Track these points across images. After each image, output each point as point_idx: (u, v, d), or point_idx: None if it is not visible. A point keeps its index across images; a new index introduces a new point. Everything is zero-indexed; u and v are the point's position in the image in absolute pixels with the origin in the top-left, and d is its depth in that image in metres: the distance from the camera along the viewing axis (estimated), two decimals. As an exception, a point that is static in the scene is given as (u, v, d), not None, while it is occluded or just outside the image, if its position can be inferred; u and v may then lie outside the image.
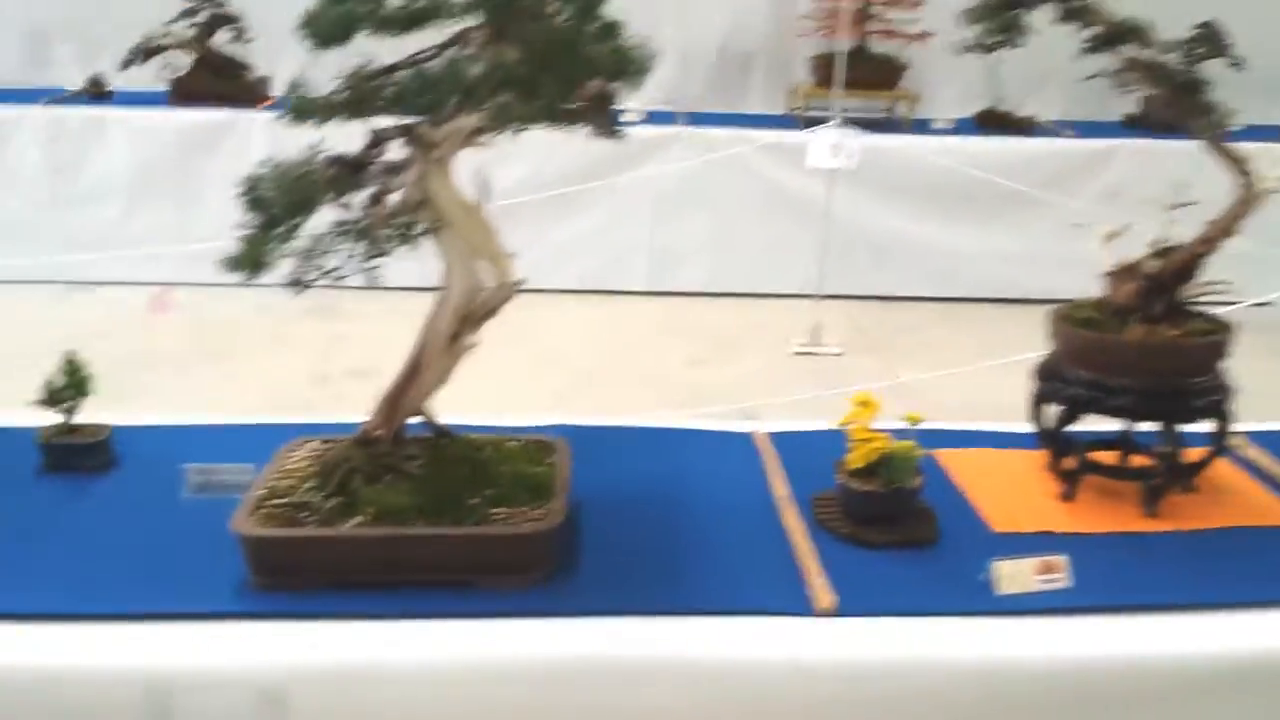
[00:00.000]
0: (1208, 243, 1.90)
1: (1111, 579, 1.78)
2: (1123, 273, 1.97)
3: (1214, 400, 1.96)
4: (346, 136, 1.61)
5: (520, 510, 1.71)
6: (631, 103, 6.38)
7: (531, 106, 1.45)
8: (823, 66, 5.93)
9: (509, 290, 1.74)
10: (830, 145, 5.04)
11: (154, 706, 1.53)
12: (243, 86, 5.86)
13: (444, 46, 1.54)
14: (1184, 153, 5.56)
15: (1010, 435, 2.29)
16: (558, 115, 1.52)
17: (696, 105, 6.54)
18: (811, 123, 5.60)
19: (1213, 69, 6.40)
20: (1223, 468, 2.17)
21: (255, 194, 1.51)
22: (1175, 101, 1.88)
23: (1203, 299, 1.99)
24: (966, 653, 1.63)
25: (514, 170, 5.59)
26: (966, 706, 1.62)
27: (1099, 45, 1.90)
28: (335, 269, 1.52)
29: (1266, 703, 1.66)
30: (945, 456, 2.21)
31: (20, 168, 5.65)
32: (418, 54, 1.55)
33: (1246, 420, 2.42)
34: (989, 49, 1.92)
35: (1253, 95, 6.62)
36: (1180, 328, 1.93)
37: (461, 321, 1.73)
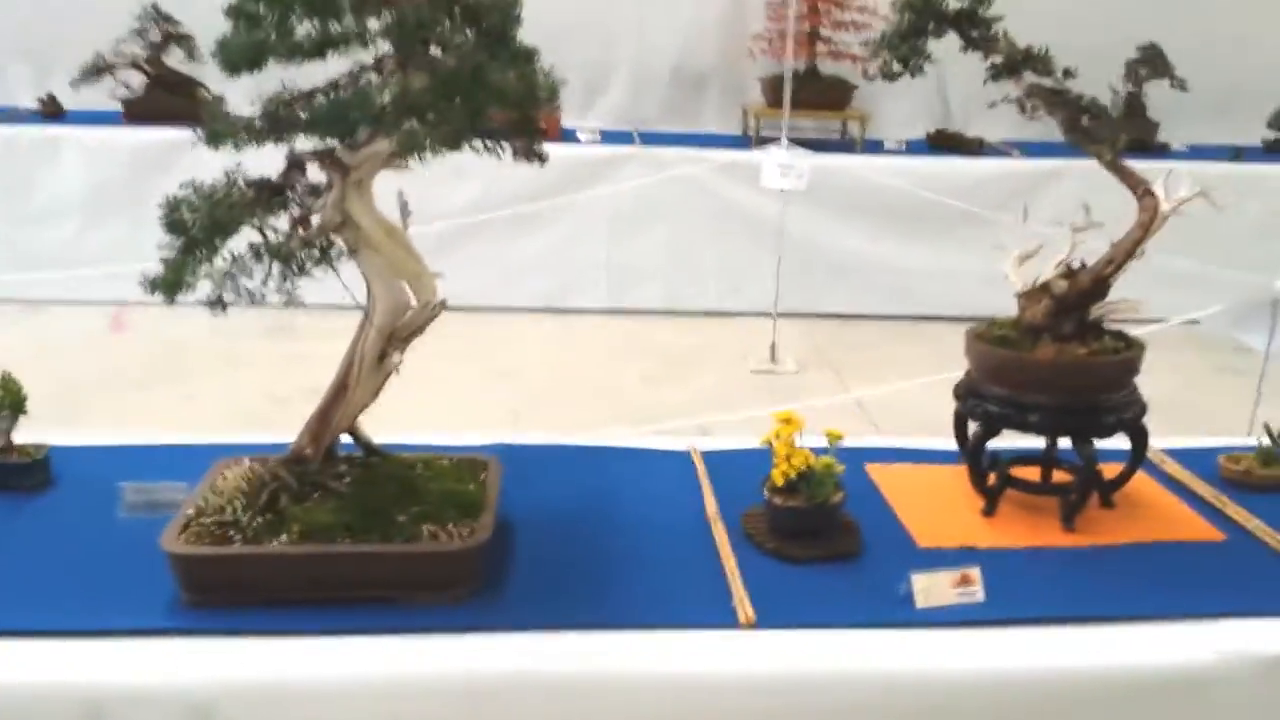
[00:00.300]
0: (1113, 263, 1.97)
1: (1027, 592, 1.83)
2: (1034, 293, 2.03)
3: (1127, 417, 2.02)
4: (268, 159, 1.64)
5: (448, 527, 1.74)
6: (587, 122, 6.49)
7: (437, 133, 1.49)
8: (774, 87, 6.01)
9: (433, 309, 1.77)
10: (779, 165, 5.11)
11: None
12: (197, 105, 5.85)
13: (360, 73, 1.58)
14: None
15: (940, 452, 2.34)
16: (463, 141, 1.56)
17: (652, 125, 6.63)
18: (765, 142, 5.68)
19: (1157, 90, 6.49)
20: (1144, 484, 2.23)
21: (175, 216, 1.53)
22: (1074, 125, 1.94)
23: (1119, 317, 2.05)
24: (883, 664, 1.67)
25: (469, 189, 5.64)
26: (882, 717, 1.66)
27: (1001, 73, 1.96)
28: (253, 290, 1.55)
29: (1173, 713, 1.71)
30: (876, 472, 2.26)
31: (-30, 186, 5.63)
32: (334, 80, 1.59)
33: (1179, 436, 2.50)
34: (892, 77, 1.98)
35: (1198, 117, 6.79)
36: (1090, 346, 1.99)
37: (387, 340, 1.76)
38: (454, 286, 6.27)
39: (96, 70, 5.74)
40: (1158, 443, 2.41)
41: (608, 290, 5.96)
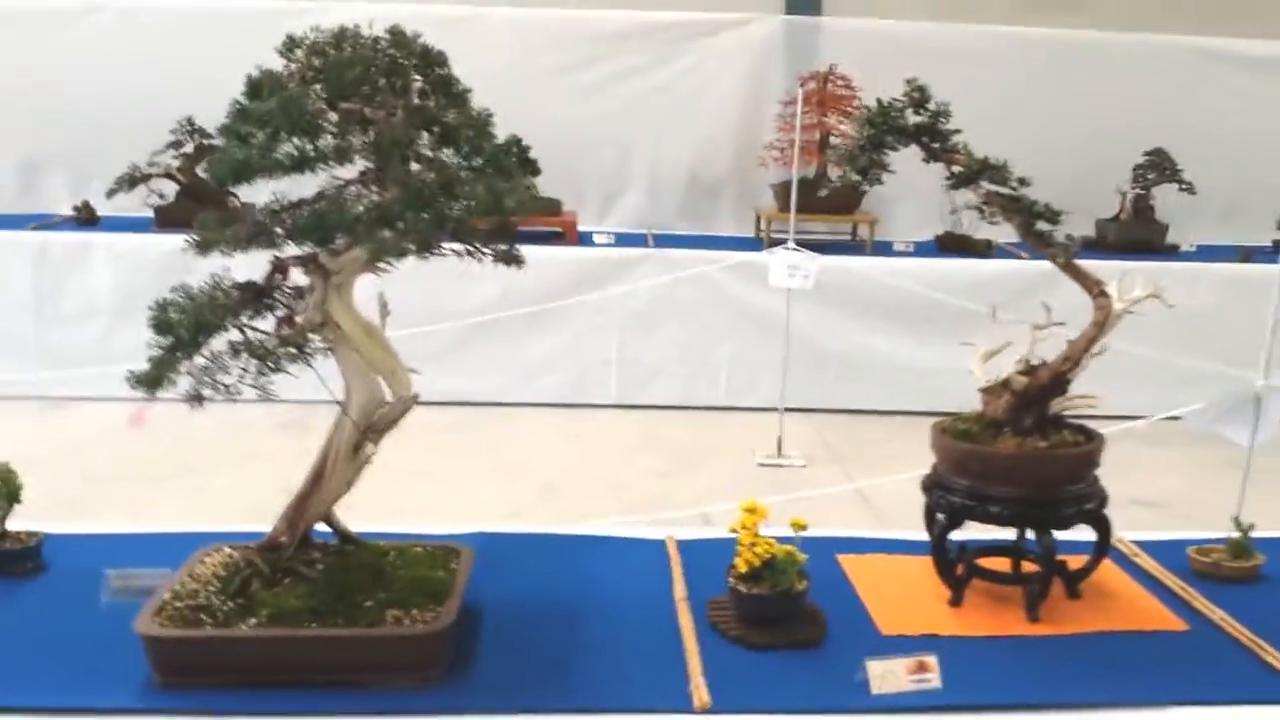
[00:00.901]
0: (1070, 360, 2.03)
1: (985, 680, 1.85)
2: (996, 388, 2.09)
3: (1087, 508, 2.06)
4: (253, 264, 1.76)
5: (412, 613, 1.79)
6: (605, 226, 6.69)
7: (404, 240, 1.59)
8: (785, 193, 6.15)
9: (407, 403, 1.86)
10: (787, 266, 5.23)
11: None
12: (226, 214, 6.04)
13: (344, 185, 1.70)
14: (1141, 272, 5.79)
15: (914, 542, 2.37)
16: (431, 248, 1.66)
17: (668, 228, 6.81)
18: (776, 244, 5.81)
19: (1165, 193, 6.60)
20: (1113, 575, 2.26)
21: (163, 317, 1.64)
22: (1029, 229, 2.02)
23: (1079, 412, 2.10)
24: (834, 750, 1.70)
25: (487, 289, 5.80)
26: (831, 803, 1.68)
27: (960, 182, 2.06)
28: (229, 385, 1.65)
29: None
30: (847, 562, 2.30)
31: (8, 288, 5.84)
32: (320, 191, 1.70)
33: (1163, 530, 2.53)
34: (855, 186, 2.08)
35: (1206, 219, 6.89)
36: (1050, 439, 2.04)
37: (362, 433, 1.84)
38: (468, 384, 6.44)
39: (131, 180, 5.98)
40: (1131, 535, 2.45)
41: (619, 387, 6.06)
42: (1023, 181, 2.06)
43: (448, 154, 1.77)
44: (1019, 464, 2.02)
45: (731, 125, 6.94)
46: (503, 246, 1.89)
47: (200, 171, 6.11)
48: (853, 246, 6.51)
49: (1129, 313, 2.02)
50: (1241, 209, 6.97)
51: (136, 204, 6.08)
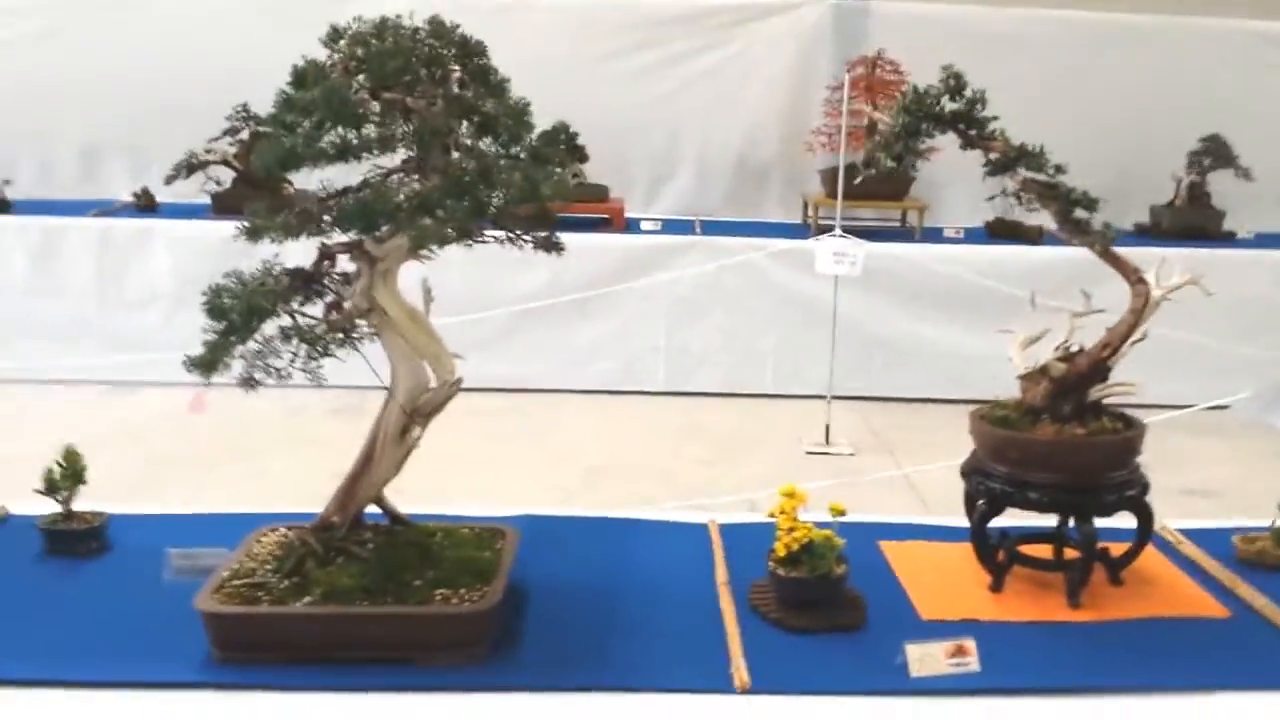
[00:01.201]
0: (1108, 347, 2.03)
1: (1023, 664, 1.87)
2: (1034, 375, 2.09)
3: (1128, 495, 2.06)
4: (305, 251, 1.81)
5: (460, 592, 1.85)
6: (652, 212, 6.72)
7: (444, 228, 1.64)
8: (833, 179, 6.14)
9: (452, 387, 1.90)
10: (834, 253, 5.23)
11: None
12: (281, 200, 6.15)
13: (389, 173, 1.75)
14: (1193, 258, 5.74)
15: (956, 529, 2.38)
16: (470, 235, 1.70)
17: (715, 214, 6.83)
18: (823, 231, 5.81)
19: (1221, 180, 6.55)
20: (1156, 562, 2.26)
21: (216, 302, 1.70)
22: (1067, 217, 2.02)
23: (1121, 399, 2.10)
24: (873, 730, 1.73)
25: (537, 276, 5.86)
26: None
27: (997, 169, 2.06)
28: (281, 369, 1.70)
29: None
30: (888, 548, 2.32)
31: (71, 274, 5.99)
32: (365, 179, 1.75)
33: (1214, 519, 2.52)
34: (891, 172, 2.09)
35: (1263, 205, 6.78)
36: (1088, 426, 2.04)
37: (409, 417, 1.89)
38: (517, 369, 6.50)
39: (189, 167, 6.11)
40: (1176, 523, 2.44)
41: (666, 374, 6.09)
42: (1059, 169, 2.05)
43: (486, 143, 1.81)
44: (1057, 450, 2.03)
45: (779, 111, 6.93)
46: (543, 233, 1.93)
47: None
48: (902, 233, 6.48)
49: (1167, 299, 2.01)
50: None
51: (194, 190, 6.21)
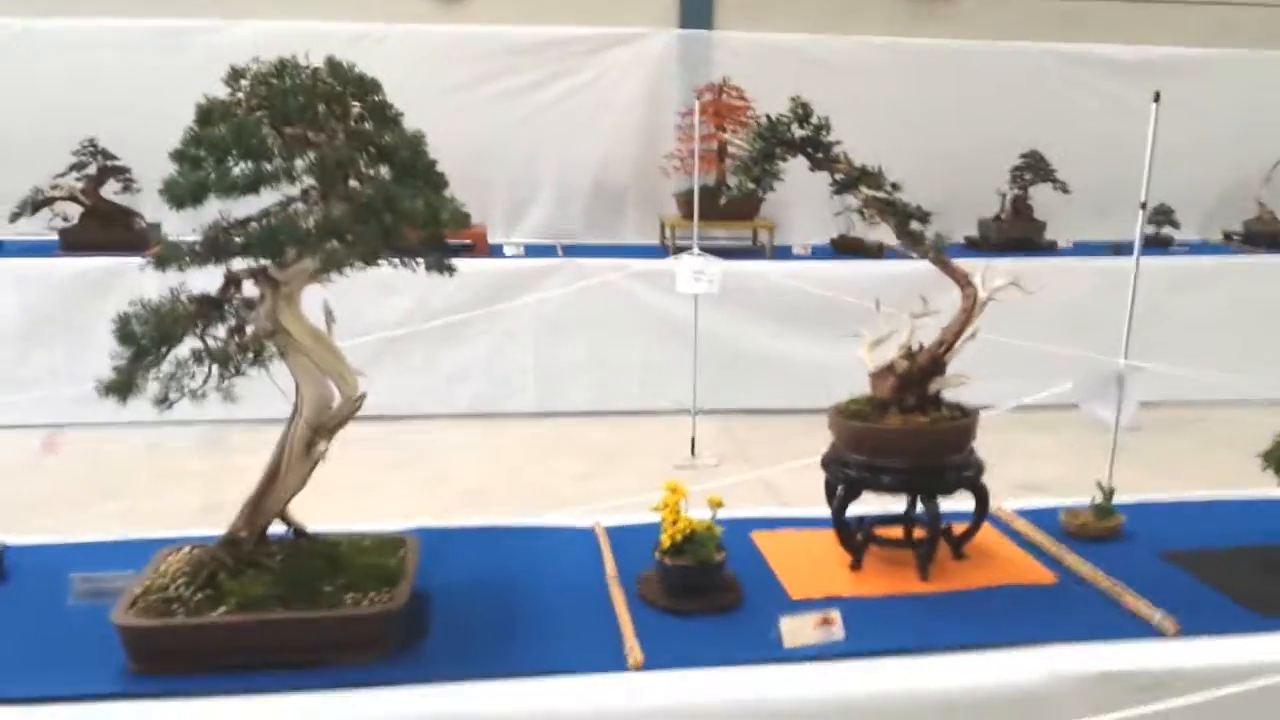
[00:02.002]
0: (944, 344, 2.29)
1: (882, 630, 2.09)
2: (882, 372, 2.34)
3: (966, 475, 2.32)
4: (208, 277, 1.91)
5: (369, 595, 1.96)
6: (514, 238, 6.86)
7: (355, 251, 1.77)
8: (688, 201, 6.41)
9: (355, 403, 2.02)
10: (693, 271, 5.47)
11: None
12: (132, 235, 6.06)
13: (289, 202, 1.86)
14: (1019, 267, 6.17)
15: (821, 519, 2.60)
16: (377, 258, 1.84)
17: (576, 238, 7.02)
18: (680, 251, 6.05)
19: (1041, 193, 7.02)
20: (993, 538, 2.53)
21: (126, 329, 1.79)
22: (904, 229, 2.27)
23: (954, 389, 2.35)
24: (755, 695, 1.92)
25: (401, 302, 5.93)
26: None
27: (842, 188, 2.30)
28: (195, 390, 1.80)
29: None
30: (760, 538, 2.52)
31: (-90, 317, 5.78)
32: (266, 209, 1.87)
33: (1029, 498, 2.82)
34: (748, 195, 2.31)
35: (1081, 216, 7.34)
36: (930, 415, 2.30)
37: (314, 432, 2.00)
38: (387, 397, 6.51)
39: (34, 204, 5.97)
40: (1010, 504, 2.72)
41: (536, 394, 6.23)
42: (896, 186, 2.30)
43: (384, 173, 1.95)
44: (904, 438, 2.27)
45: (633, 136, 7.17)
46: (433, 256, 2.07)
47: (108, 197, 6.12)
48: (754, 251, 6.79)
49: (993, 300, 2.28)
50: (1113, 206, 7.43)
51: (40, 227, 6.07)
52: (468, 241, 6.34)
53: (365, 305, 5.82)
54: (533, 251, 6.48)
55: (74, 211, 6.16)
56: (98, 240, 6.00)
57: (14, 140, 6.38)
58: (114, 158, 6.17)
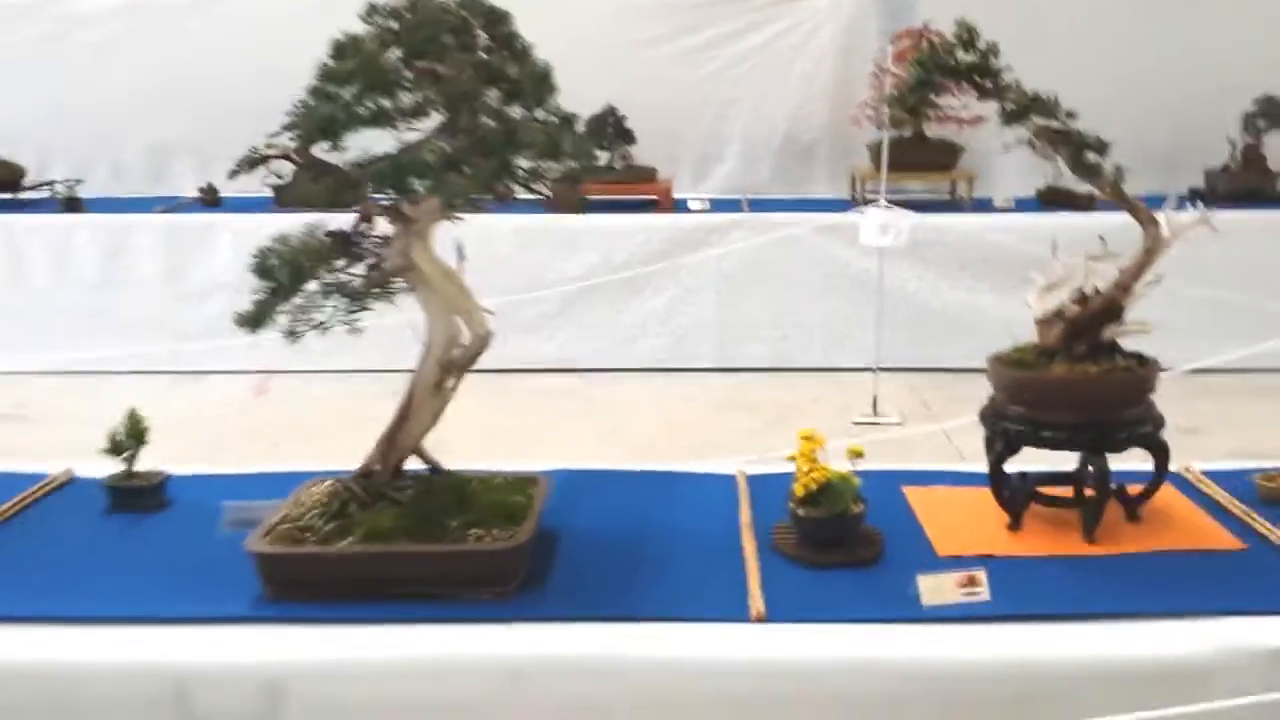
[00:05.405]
0: (1121, 288, 2.08)
1: (1034, 593, 1.93)
2: (1050, 318, 2.15)
3: (1141, 432, 2.11)
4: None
5: (493, 532, 1.96)
6: (701, 192, 6.79)
7: (470, 183, 1.74)
8: (879, 152, 6.17)
9: (484, 342, 2.01)
10: (879, 225, 5.26)
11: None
12: (338, 190, 6.33)
13: (423, 139, 1.86)
14: (1250, 220, 5.69)
15: (978, 475, 2.44)
16: (495, 189, 1.81)
17: (763, 192, 6.88)
18: (868, 204, 5.84)
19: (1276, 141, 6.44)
20: (1175, 500, 2.30)
21: (264, 263, 1.83)
22: (1078, 161, 2.07)
23: (1133, 337, 2.14)
24: (883, 655, 1.81)
25: (586, 257, 5.97)
26: (879, 704, 1.79)
27: (1012, 118, 2.11)
28: (323, 323, 1.83)
29: (1169, 704, 1.78)
30: (911, 492, 2.39)
31: (139, 268, 6.23)
32: (402, 145, 1.87)
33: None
34: (899, 125, 2.15)
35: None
36: (1101, 365, 2.09)
37: (444, 370, 2.01)
38: (569, 349, 6.62)
39: (250, 162, 6.28)
40: (1199, 465, 2.47)
41: (715, 350, 6.17)
42: (1071, 114, 2.10)
43: (514, 109, 1.92)
44: (1070, 389, 2.08)
45: (825, 87, 6.92)
46: (566, 189, 2.03)
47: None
48: (951, 204, 6.48)
49: (1180, 239, 2.05)
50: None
51: (257, 185, 6.40)
52: (652, 197, 6.31)
53: (551, 259, 5.90)
54: (718, 206, 6.38)
55: (288, 169, 6.47)
56: (308, 196, 6.27)
57: (234, 105, 6.71)
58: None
